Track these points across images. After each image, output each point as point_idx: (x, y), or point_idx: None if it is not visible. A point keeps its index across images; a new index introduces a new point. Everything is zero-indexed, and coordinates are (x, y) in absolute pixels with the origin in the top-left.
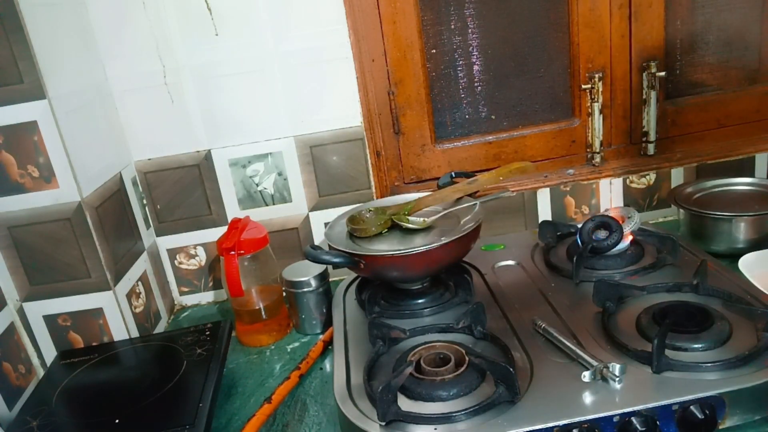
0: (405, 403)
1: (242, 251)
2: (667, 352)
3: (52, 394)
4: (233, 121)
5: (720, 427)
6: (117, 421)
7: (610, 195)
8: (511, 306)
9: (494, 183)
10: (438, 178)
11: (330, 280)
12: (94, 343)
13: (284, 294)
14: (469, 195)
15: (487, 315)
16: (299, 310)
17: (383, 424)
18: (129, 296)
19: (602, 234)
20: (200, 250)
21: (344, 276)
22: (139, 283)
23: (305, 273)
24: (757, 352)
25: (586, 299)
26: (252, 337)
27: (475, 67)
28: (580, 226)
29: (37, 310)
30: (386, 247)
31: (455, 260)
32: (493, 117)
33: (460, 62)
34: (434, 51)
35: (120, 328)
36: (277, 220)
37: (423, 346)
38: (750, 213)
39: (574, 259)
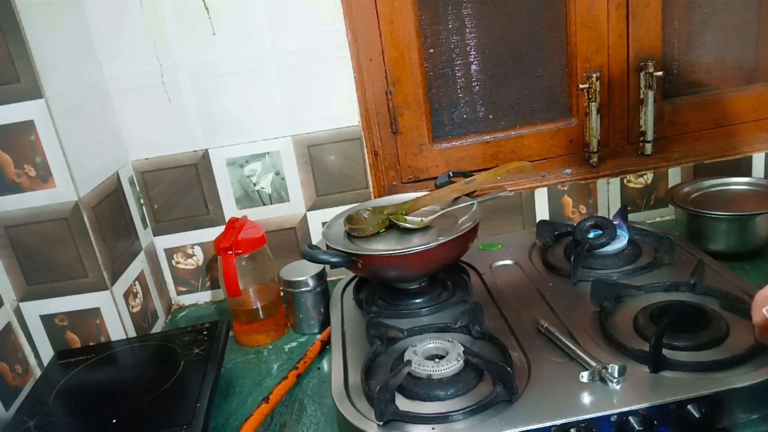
0: (402, 403)
1: (240, 251)
2: (665, 351)
3: (50, 394)
4: (231, 120)
5: (717, 427)
6: (114, 421)
7: (607, 195)
8: (508, 305)
9: (492, 183)
10: (436, 178)
11: (328, 279)
12: (91, 343)
13: (282, 293)
14: (467, 194)
15: (484, 314)
16: (297, 310)
17: (381, 423)
18: (126, 296)
19: (596, 233)
20: (198, 250)
21: (342, 276)
22: (137, 282)
23: (303, 272)
24: (753, 352)
25: (584, 299)
26: (249, 337)
27: (473, 67)
28: (575, 225)
29: (34, 310)
30: (384, 246)
31: (453, 260)
32: (490, 117)
33: (458, 62)
34: (432, 50)
35: (117, 327)
36: (275, 219)
37: None
38: (747, 212)
39: (572, 258)
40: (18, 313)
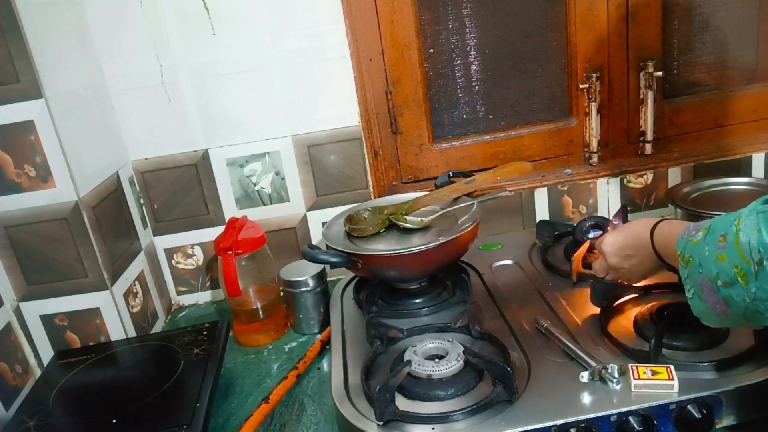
0: (402, 403)
1: (240, 251)
2: (665, 351)
3: (49, 394)
4: (230, 120)
5: (717, 427)
6: (114, 421)
7: (607, 195)
8: (508, 305)
9: (492, 183)
10: (435, 178)
11: (327, 279)
12: (91, 343)
13: (282, 293)
14: (467, 195)
15: (484, 314)
16: (297, 310)
17: (381, 423)
18: (126, 296)
19: (596, 233)
20: (197, 250)
21: (342, 276)
22: (137, 282)
23: (303, 272)
24: (753, 352)
25: (584, 299)
26: (249, 337)
27: (473, 67)
28: (575, 225)
29: (34, 310)
30: (384, 246)
31: (453, 260)
32: (490, 116)
33: (458, 62)
34: (432, 50)
35: (117, 327)
36: (275, 219)
37: None
38: None
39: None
40: (18, 313)
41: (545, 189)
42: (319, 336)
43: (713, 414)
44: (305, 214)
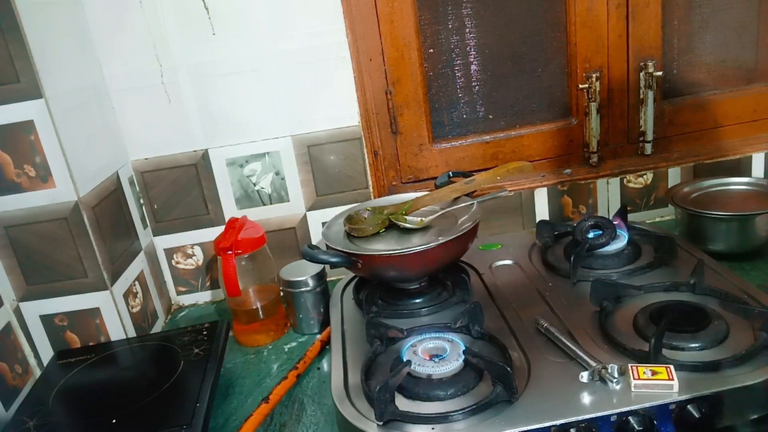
0: (402, 403)
1: (240, 251)
2: (665, 351)
3: (49, 394)
4: (230, 120)
5: (717, 427)
6: (114, 421)
7: (607, 195)
8: (508, 305)
9: (491, 183)
10: (435, 178)
11: (327, 279)
12: (91, 343)
13: (282, 294)
14: (467, 195)
15: (484, 314)
16: (297, 310)
17: (381, 423)
18: (126, 296)
19: (596, 233)
20: (197, 250)
21: (342, 275)
22: (136, 282)
23: (303, 272)
24: (753, 352)
25: (584, 299)
26: (249, 337)
27: (473, 67)
28: (575, 225)
29: (34, 310)
30: (383, 246)
31: (453, 260)
32: (490, 116)
33: (458, 62)
34: (432, 50)
35: (117, 327)
36: (275, 219)
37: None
38: (747, 213)
39: (572, 258)
40: (18, 313)
41: (545, 189)
42: (318, 336)
43: (713, 414)
44: (305, 214)
